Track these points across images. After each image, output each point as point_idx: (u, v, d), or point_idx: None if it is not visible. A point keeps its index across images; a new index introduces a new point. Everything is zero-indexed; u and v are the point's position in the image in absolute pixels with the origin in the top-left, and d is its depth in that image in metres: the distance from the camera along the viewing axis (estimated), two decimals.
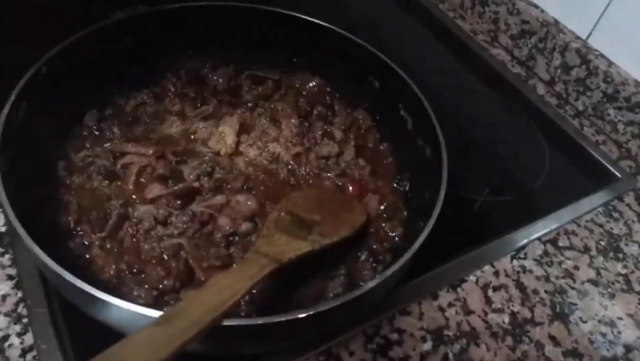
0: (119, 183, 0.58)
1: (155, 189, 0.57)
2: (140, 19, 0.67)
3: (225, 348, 0.47)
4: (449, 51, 0.96)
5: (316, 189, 0.63)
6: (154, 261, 0.52)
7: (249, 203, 0.57)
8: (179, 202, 0.56)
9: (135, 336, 0.35)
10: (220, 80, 0.71)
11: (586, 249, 0.67)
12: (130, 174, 0.58)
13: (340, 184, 0.63)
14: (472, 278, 0.61)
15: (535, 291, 0.62)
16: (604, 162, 0.79)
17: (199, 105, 0.69)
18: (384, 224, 0.60)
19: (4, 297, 0.52)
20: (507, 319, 0.58)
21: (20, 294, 0.52)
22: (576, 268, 0.65)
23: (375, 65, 0.68)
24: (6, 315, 0.51)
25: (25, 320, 0.51)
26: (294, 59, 0.75)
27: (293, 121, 0.68)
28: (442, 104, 0.71)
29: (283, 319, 0.41)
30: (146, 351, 0.34)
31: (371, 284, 0.44)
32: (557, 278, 0.63)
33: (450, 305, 0.58)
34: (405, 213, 0.62)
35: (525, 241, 0.66)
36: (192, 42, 0.72)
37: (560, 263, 0.65)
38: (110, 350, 0.34)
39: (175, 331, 0.36)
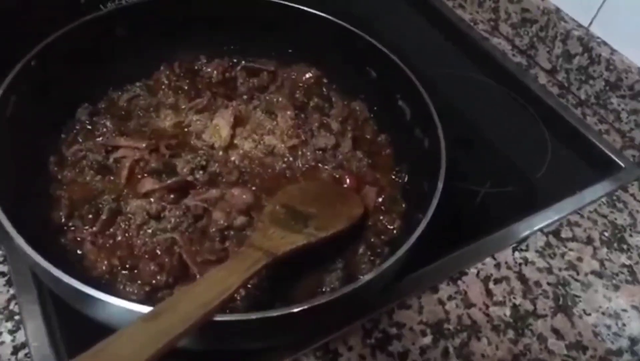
0: (111, 178, 0.57)
1: (148, 183, 0.56)
2: (132, 10, 0.66)
3: (220, 343, 0.46)
4: (448, 41, 0.95)
5: (313, 181, 0.61)
6: (147, 256, 0.51)
7: (244, 196, 0.56)
8: (172, 196, 0.55)
9: (123, 331, 0.34)
10: (215, 72, 0.70)
11: (589, 241, 0.66)
12: (123, 168, 0.57)
13: (337, 176, 0.62)
14: (472, 270, 0.60)
15: (538, 284, 0.60)
16: (607, 151, 0.77)
17: (193, 98, 0.67)
18: (382, 217, 0.58)
19: None
20: (508, 312, 0.57)
21: (12, 291, 0.52)
22: (579, 259, 0.64)
23: (372, 55, 0.67)
24: None
25: (17, 317, 0.50)
26: (290, 50, 0.73)
27: (289, 113, 0.67)
28: (441, 95, 0.69)
29: (277, 314, 0.40)
30: (134, 346, 0.33)
31: (367, 277, 0.43)
32: (559, 269, 0.62)
33: (450, 298, 0.57)
34: (403, 205, 0.60)
35: (527, 232, 0.65)
36: (186, 34, 0.70)
37: (563, 255, 0.64)
38: (98, 346, 0.33)
39: (164, 326, 0.35)
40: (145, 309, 0.39)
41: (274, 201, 0.55)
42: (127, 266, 0.50)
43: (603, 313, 0.59)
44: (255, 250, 0.46)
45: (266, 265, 0.45)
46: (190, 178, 0.57)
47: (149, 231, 0.52)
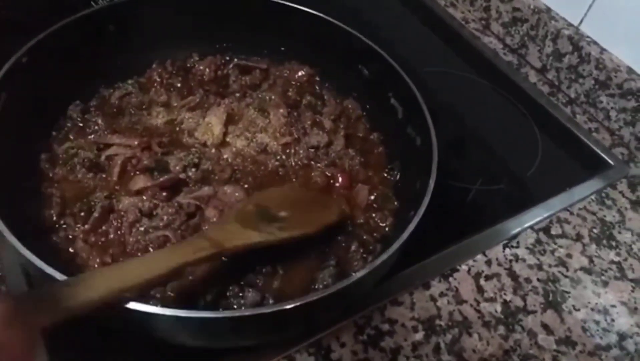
0: (103, 175, 0.57)
1: (140, 181, 0.55)
2: (124, 7, 0.66)
3: (213, 340, 0.46)
4: (440, 40, 0.95)
5: (300, 188, 0.61)
6: (139, 254, 0.51)
7: (236, 194, 0.56)
8: (164, 194, 0.55)
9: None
10: (207, 70, 0.70)
11: (579, 237, 0.67)
12: (115, 166, 0.57)
13: (329, 174, 0.62)
14: (464, 267, 0.61)
15: (528, 280, 0.61)
16: (597, 149, 0.78)
17: (185, 95, 0.67)
18: (374, 215, 0.59)
19: None
20: (499, 308, 0.58)
21: (3, 289, 0.51)
22: (569, 256, 0.64)
23: (365, 53, 0.67)
24: None
25: None
26: (282, 48, 0.74)
27: (282, 110, 0.67)
28: (433, 93, 0.70)
29: (270, 310, 0.41)
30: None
31: (359, 274, 0.43)
32: (549, 266, 0.63)
33: (442, 294, 0.58)
34: (395, 203, 0.61)
35: (517, 229, 0.65)
36: (178, 32, 0.70)
37: (552, 252, 0.64)
38: None
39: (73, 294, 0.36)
40: (137, 306, 0.39)
41: (250, 200, 0.55)
42: None
43: (592, 309, 0.60)
44: (204, 240, 0.46)
45: (211, 256, 0.45)
46: (182, 176, 0.57)
47: (142, 229, 0.52)
